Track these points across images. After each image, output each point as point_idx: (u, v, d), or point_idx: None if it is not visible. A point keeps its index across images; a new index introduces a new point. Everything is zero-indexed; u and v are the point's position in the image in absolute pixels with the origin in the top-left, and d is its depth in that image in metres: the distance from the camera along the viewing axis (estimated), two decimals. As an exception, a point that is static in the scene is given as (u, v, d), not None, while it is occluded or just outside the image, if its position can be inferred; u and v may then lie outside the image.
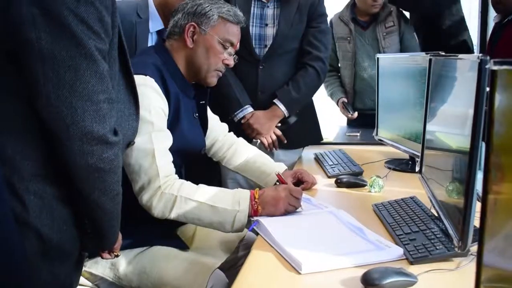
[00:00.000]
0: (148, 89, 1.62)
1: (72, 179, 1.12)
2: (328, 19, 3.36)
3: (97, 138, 1.07)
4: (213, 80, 1.83)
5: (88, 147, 1.07)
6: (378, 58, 2.64)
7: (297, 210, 1.66)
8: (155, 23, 2.22)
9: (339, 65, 3.54)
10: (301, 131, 2.59)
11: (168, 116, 1.68)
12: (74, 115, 1.04)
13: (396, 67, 2.46)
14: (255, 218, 1.59)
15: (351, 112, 3.32)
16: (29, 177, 1.10)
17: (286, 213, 1.64)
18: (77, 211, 1.18)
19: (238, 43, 1.86)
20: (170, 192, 1.58)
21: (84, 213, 1.19)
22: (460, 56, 1.31)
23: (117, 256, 1.50)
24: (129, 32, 2.15)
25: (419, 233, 1.39)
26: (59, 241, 1.14)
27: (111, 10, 1.11)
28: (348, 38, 3.42)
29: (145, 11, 2.21)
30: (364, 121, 3.37)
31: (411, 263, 1.26)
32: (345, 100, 3.39)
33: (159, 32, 2.24)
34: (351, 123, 3.54)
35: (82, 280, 1.61)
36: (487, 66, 0.96)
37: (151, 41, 2.23)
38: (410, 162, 2.33)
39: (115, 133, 1.13)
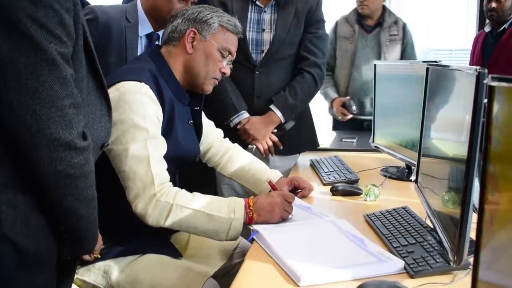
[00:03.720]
0: (143, 96, 1.61)
1: (43, 186, 1.09)
2: (334, 21, 3.52)
3: (64, 145, 1.05)
4: (209, 88, 1.82)
5: (56, 154, 1.05)
6: (375, 64, 2.64)
7: (290, 216, 1.66)
8: (144, 27, 2.22)
9: (336, 64, 3.55)
10: (297, 137, 2.58)
11: (163, 122, 1.67)
12: (39, 123, 1.01)
13: (393, 74, 2.46)
14: (254, 227, 1.58)
15: (354, 111, 3.26)
16: None
17: (281, 219, 1.63)
18: (52, 217, 1.16)
19: (235, 53, 1.85)
20: (165, 200, 1.56)
21: (59, 219, 1.16)
22: (457, 66, 1.30)
23: (96, 257, 1.48)
24: (119, 37, 2.16)
25: (416, 245, 1.37)
26: (36, 249, 1.11)
27: (73, 12, 1.08)
28: (350, 39, 3.48)
29: (134, 15, 2.21)
30: (352, 125, 3.45)
31: (412, 277, 1.24)
32: (347, 97, 3.36)
33: (148, 36, 2.24)
34: (337, 126, 3.57)
35: (74, 287, 1.59)
36: (485, 81, 0.95)
37: (141, 44, 2.23)
38: (406, 170, 2.32)
39: (84, 138, 1.11)
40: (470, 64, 3.70)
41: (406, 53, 3.48)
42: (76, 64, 1.12)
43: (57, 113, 1.03)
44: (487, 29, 3.58)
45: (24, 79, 1.00)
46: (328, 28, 3.52)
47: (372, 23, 3.49)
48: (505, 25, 3.45)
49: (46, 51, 1.01)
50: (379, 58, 3.41)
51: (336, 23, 3.59)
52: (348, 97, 3.33)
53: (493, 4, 3.40)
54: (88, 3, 2.96)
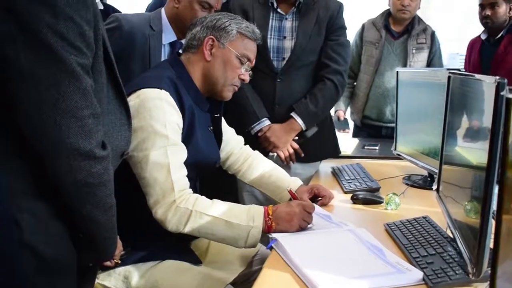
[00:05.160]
0: (163, 103, 1.63)
1: (63, 195, 1.11)
2: (360, 24, 3.53)
3: (84, 154, 1.07)
4: (228, 95, 1.83)
5: (75, 164, 1.06)
6: (398, 72, 2.61)
7: (309, 226, 1.65)
8: (168, 35, 2.24)
9: (360, 69, 3.54)
10: (319, 144, 2.57)
11: (183, 129, 1.69)
12: (59, 133, 1.03)
13: (416, 81, 2.43)
14: (273, 235, 1.58)
15: (342, 128, 3.34)
16: (20, 195, 1.08)
17: (300, 229, 1.63)
18: (72, 224, 1.17)
19: (254, 60, 1.86)
20: (185, 206, 1.58)
21: (78, 227, 1.18)
22: (478, 76, 1.29)
23: (117, 263, 1.50)
24: (143, 45, 2.17)
25: (436, 256, 1.36)
26: (56, 256, 1.13)
27: (93, 24, 1.09)
28: (377, 44, 3.43)
29: (158, 23, 2.23)
30: (371, 132, 3.51)
31: (430, 288, 1.23)
32: (344, 117, 3.48)
33: (171, 44, 2.26)
34: (357, 133, 3.62)
35: (94, 292, 1.61)
36: (502, 93, 0.94)
37: (164, 53, 2.25)
38: (428, 179, 2.29)
39: (103, 147, 1.12)
40: (465, 70, 3.62)
41: (434, 62, 3.42)
42: (95, 74, 1.14)
43: (77, 123, 1.05)
44: (483, 36, 3.53)
45: (45, 90, 1.01)
46: (355, 31, 3.54)
47: (400, 30, 3.44)
48: (502, 32, 3.38)
49: (66, 62, 1.02)
50: (404, 65, 3.36)
51: (363, 27, 3.55)
52: (344, 117, 3.47)
53: (487, 12, 3.35)
54: (118, 11, 2.99)
